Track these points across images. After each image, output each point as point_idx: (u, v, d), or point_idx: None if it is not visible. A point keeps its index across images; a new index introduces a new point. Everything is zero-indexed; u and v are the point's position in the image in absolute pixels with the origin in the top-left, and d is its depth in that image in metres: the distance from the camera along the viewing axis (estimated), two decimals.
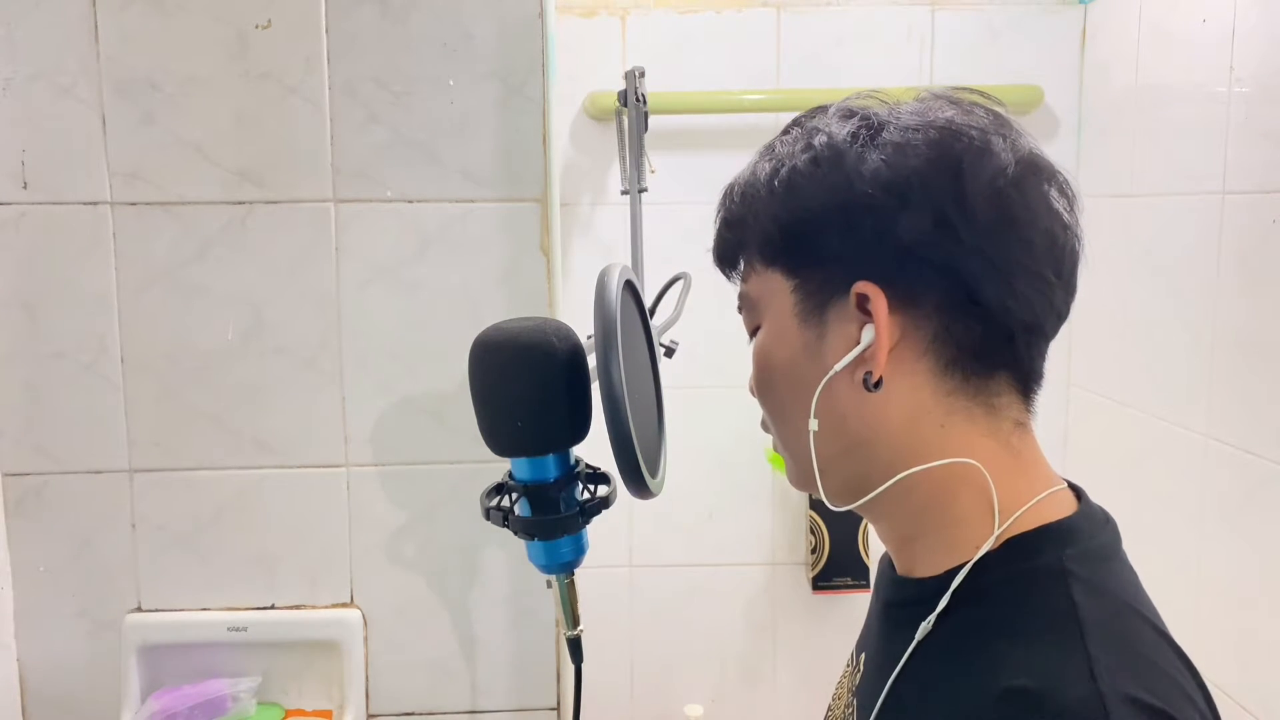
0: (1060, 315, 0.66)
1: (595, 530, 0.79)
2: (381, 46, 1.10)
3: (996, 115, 0.65)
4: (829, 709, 0.79)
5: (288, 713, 1.16)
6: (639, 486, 0.70)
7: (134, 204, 1.10)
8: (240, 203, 1.10)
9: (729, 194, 0.70)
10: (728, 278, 0.73)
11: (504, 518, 0.76)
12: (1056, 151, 1.83)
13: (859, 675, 0.72)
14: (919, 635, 0.63)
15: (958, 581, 0.62)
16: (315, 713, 1.16)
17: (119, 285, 1.11)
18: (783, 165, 0.66)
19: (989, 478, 0.63)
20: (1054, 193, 0.64)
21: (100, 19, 1.08)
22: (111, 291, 1.11)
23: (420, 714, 1.18)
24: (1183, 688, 0.58)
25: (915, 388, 0.64)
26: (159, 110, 1.09)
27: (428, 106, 1.11)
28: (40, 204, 1.09)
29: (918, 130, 0.63)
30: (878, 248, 0.62)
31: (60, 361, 1.11)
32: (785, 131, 0.69)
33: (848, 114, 0.66)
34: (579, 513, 0.76)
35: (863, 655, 0.73)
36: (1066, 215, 0.65)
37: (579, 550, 0.79)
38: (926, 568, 0.66)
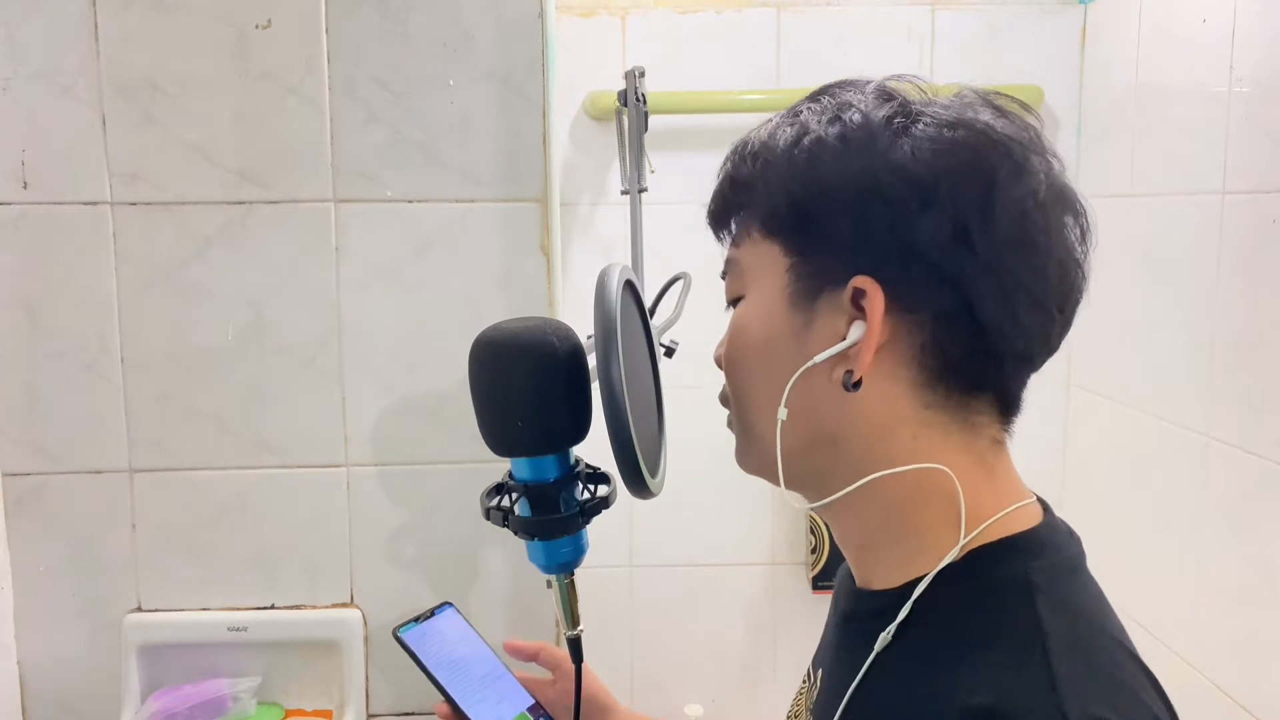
0: (1051, 350, 0.64)
1: (595, 530, 0.79)
2: (381, 46, 1.10)
3: (1035, 131, 0.63)
4: None
5: (288, 713, 1.16)
6: (639, 486, 0.69)
7: (134, 204, 1.10)
8: (240, 203, 1.10)
9: (740, 151, 0.67)
10: (717, 238, 0.70)
11: (504, 518, 0.76)
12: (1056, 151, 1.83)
13: (816, 691, 0.70)
14: (877, 648, 0.61)
15: (919, 592, 0.60)
16: (315, 713, 1.16)
17: (119, 285, 1.11)
18: (807, 134, 0.63)
19: (959, 487, 0.60)
20: (1072, 224, 0.62)
21: (100, 19, 1.08)
22: (111, 291, 1.11)
23: (420, 714, 1.17)
24: (1149, 708, 0.56)
25: (894, 395, 0.61)
26: (159, 110, 1.09)
27: (428, 106, 1.11)
28: (40, 204, 1.09)
29: (954, 128, 0.60)
30: (888, 243, 0.59)
31: (60, 361, 1.11)
32: (814, 98, 0.65)
33: (885, 95, 0.63)
34: (579, 513, 0.76)
35: (819, 671, 0.71)
36: (1079, 250, 0.62)
37: (579, 550, 0.79)
38: (885, 579, 0.64)
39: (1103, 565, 1.92)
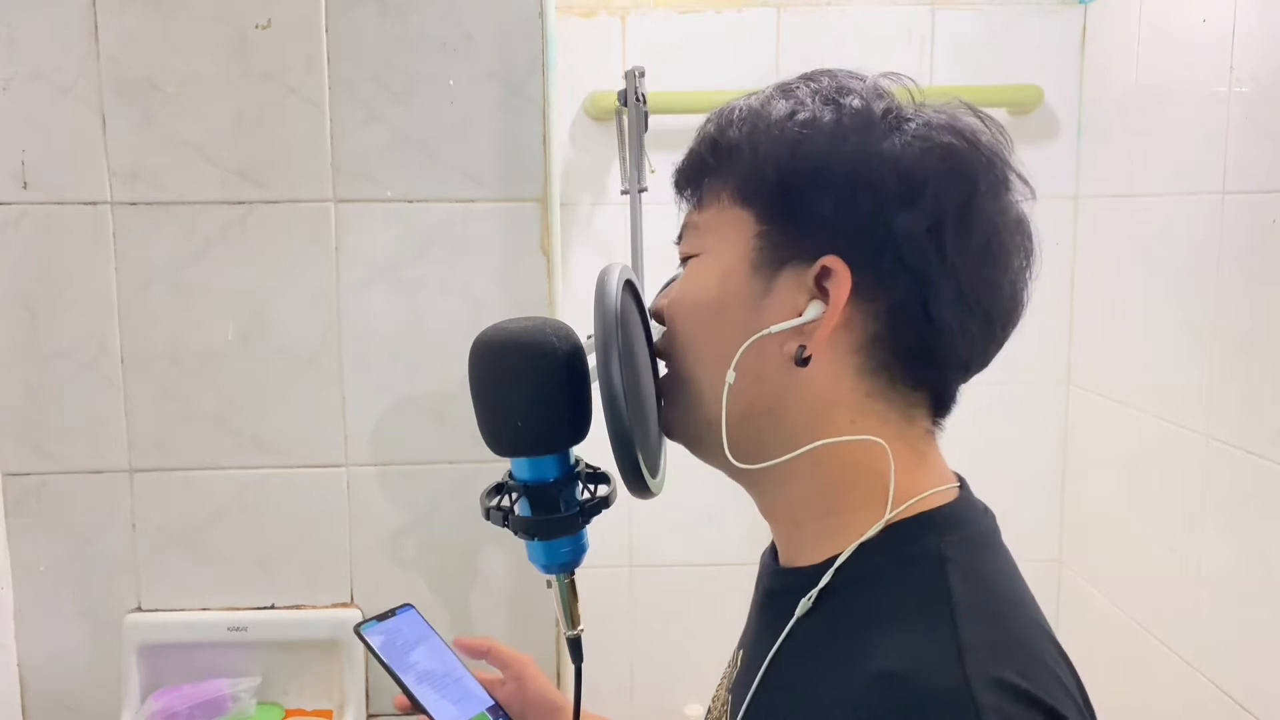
0: (983, 365, 0.66)
1: (595, 530, 0.79)
2: (381, 46, 1.10)
3: (1010, 154, 0.65)
4: (708, 711, 0.78)
5: (288, 713, 1.16)
6: (639, 486, 0.69)
7: (134, 204, 1.10)
8: (240, 203, 1.11)
9: (725, 117, 0.68)
10: (681, 197, 0.72)
11: (504, 518, 0.76)
12: (1056, 151, 1.84)
13: (735, 672, 0.72)
14: (797, 614, 0.62)
15: (839, 562, 0.62)
16: (315, 713, 1.16)
17: (119, 285, 1.11)
18: (802, 109, 0.64)
19: (892, 465, 0.62)
20: (1025, 255, 0.65)
21: (100, 19, 1.08)
22: (111, 291, 1.11)
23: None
24: (1055, 673, 0.58)
25: (838, 378, 0.63)
26: (159, 110, 1.09)
27: (428, 106, 1.11)
28: (40, 204, 1.09)
29: (947, 133, 0.63)
30: (865, 230, 0.61)
31: (60, 361, 1.11)
32: (811, 79, 0.67)
33: (882, 90, 0.65)
34: (579, 513, 0.76)
35: (740, 652, 0.73)
36: (1024, 277, 0.65)
37: (579, 550, 0.79)
38: (810, 555, 0.65)
39: (1103, 565, 1.93)
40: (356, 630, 0.95)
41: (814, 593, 0.62)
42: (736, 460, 0.65)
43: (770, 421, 0.65)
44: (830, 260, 0.61)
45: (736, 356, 0.63)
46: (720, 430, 0.65)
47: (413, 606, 1.01)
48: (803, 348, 0.62)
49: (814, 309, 0.62)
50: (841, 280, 0.61)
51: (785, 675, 0.63)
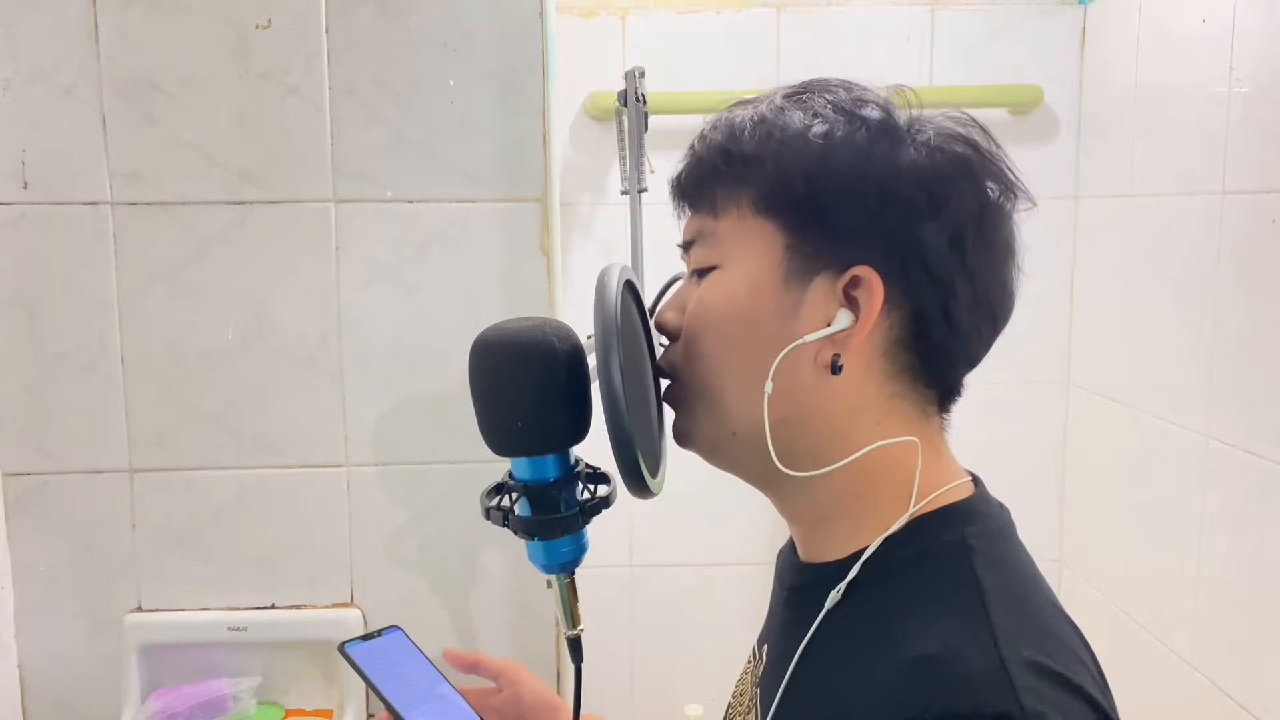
0: (980, 360, 0.69)
1: (595, 530, 0.79)
2: (381, 46, 1.10)
3: (1007, 159, 0.68)
4: (729, 707, 0.79)
5: (288, 713, 1.16)
6: (639, 486, 0.69)
7: (134, 204, 1.10)
8: (240, 203, 1.11)
9: (732, 125, 0.69)
10: (688, 204, 0.73)
11: (504, 518, 0.76)
12: (1056, 151, 1.84)
13: (761, 667, 0.73)
14: (827, 606, 0.64)
15: (868, 554, 0.64)
16: (315, 713, 1.16)
17: (119, 285, 1.11)
18: (820, 119, 0.65)
19: (920, 461, 0.65)
20: (1016, 253, 0.68)
21: (100, 19, 1.08)
22: (111, 291, 1.11)
23: None
24: (1078, 655, 0.60)
25: (865, 383, 0.65)
26: (159, 110, 1.09)
27: (428, 106, 1.11)
28: (40, 204, 1.09)
29: (955, 141, 0.65)
30: (896, 240, 0.63)
31: (60, 361, 1.11)
32: (823, 88, 0.68)
33: (892, 103, 0.67)
34: (579, 513, 0.76)
35: (765, 647, 0.74)
36: (1017, 276, 0.68)
37: (579, 550, 0.79)
38: (835, 551, 0.67)
39: (1103, 565, 1.93)
40: (341, 649, 0.95)
41: (843, 585, 0.63)
42: (787, 468, 0.66)
43: (801, 428, 0.66)
44: (862, 270, 0.63)
45: (774, 367, 0.64)
46: (747, 439, 0.67)
47: (400, 629, 1.02)
48: (837, 356, 0.64)
49: (844, 318, 0.63)
50: (874, 289, 0.63)
51: (818, 668, 0.64)
